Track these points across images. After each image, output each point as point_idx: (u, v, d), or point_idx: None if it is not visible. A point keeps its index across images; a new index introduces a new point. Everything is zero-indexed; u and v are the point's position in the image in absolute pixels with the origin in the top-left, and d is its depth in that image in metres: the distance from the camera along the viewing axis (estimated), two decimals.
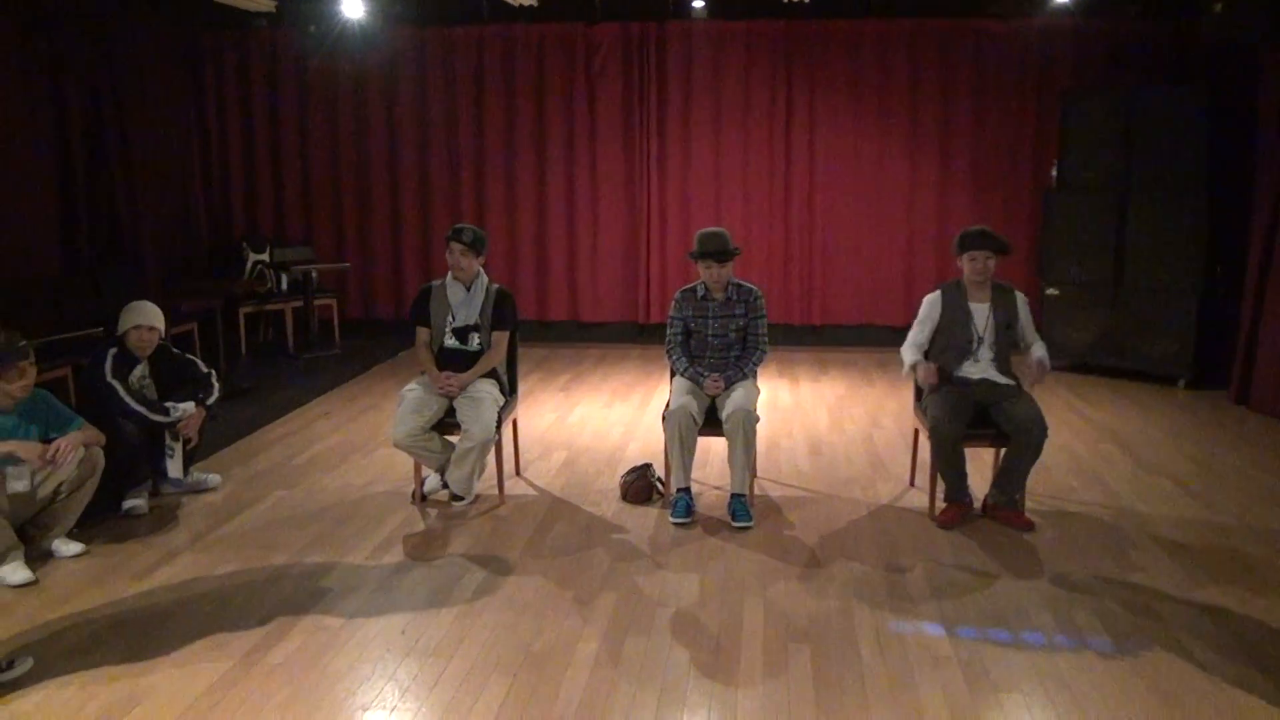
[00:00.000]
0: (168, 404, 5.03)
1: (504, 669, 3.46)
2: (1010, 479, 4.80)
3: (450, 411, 5.04)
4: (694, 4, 8.69)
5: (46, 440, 4.33)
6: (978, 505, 4.96)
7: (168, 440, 5.08)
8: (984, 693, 3.30)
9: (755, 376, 5.13)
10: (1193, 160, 7.49)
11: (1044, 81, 8.79)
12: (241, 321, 8.75)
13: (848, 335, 9.46)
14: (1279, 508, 5.09)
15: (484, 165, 9.55)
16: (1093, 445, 6.22)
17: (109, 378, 4.89)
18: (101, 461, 4.51)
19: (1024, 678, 3.39)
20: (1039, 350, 4.87)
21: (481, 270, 5.23)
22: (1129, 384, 7.85)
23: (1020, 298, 4.97)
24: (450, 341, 5.19)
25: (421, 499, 5.19)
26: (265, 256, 9.21)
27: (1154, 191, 7.64)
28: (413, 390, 5.05)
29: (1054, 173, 8.31)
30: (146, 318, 5.07)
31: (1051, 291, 8.21)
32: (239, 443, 6.25)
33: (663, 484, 5.23)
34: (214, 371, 5.35)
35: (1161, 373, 7.81)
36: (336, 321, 9.36)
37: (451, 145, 9.55)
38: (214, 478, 5.41)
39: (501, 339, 5.22)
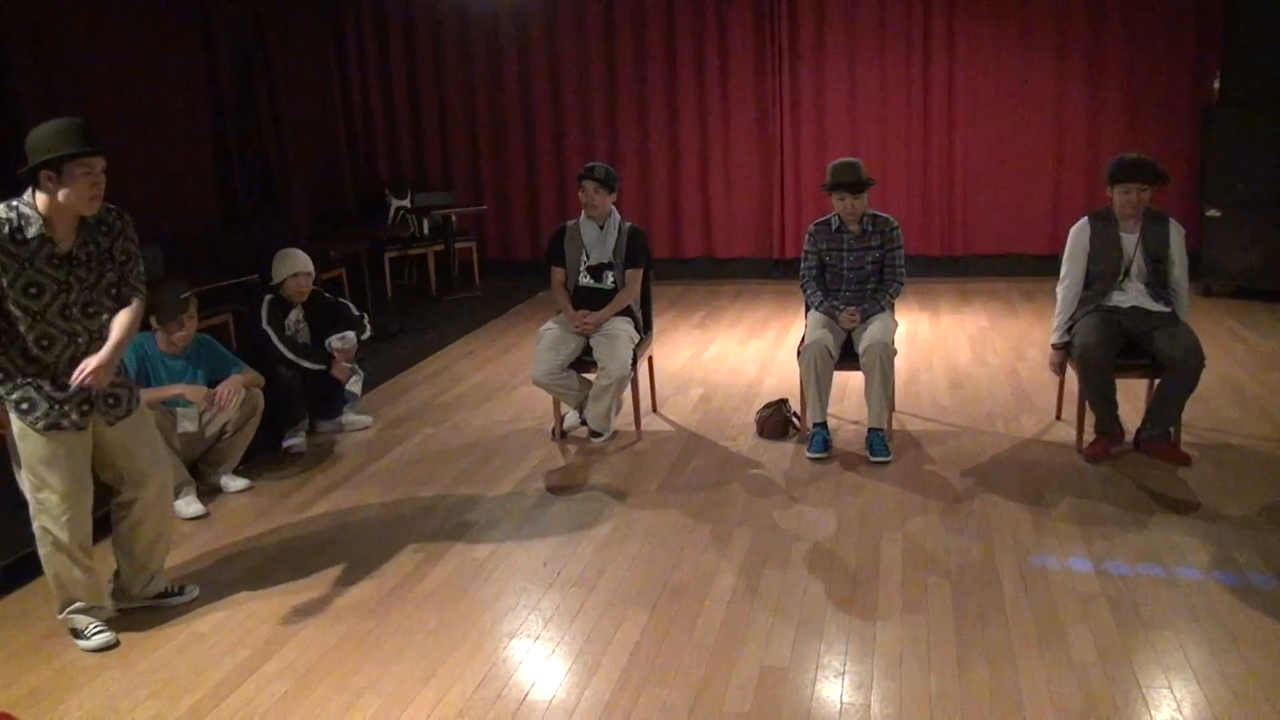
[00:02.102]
0: (328, 340, 5.28)
1: (643, 601, 3.55)
2: (1164, 410, 4.59)
3: (587, 349, 5.11)
4: None
5: (212, 383, 4.60)
6: (1129, 438, 4.77)
7: (350, 377, 5.44)
8: (1134, 630, 3.21)
9: (892, 309, 5.03)
10: None
11: None
12: (386, 266, 9.05)
13: (990, 265, 9.13)
14: None
15: (616, 103, 9.53)
16: (1257, 374, 5.88)
17: (264, 324, 5.15)
18: (262, 402, 4.77)
19: (1177, 615, 3.28)
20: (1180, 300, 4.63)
21: (614, 208, 5.26)
22: None
23: (1175, 229, 4.64)
24: (585, 280, 5.25)
25: (561, 435, 5.31)
26: (407, 202, 9.47)
27: None
28: (550, 329, 5.15)
29: (1215, 85, 7.78)
30: (303, 265, 5.30)
31: (1213, 213, 7.74)
32: (387, 383, 6.50)
33: (799, 419, 5.21)
34: (365, 315, 5.59)
35: None
36: (476, 263, 9.59)
37: (583, 84, 9.56)
38: (365, 419, 5.66)
39: (635, 276, 5.25)
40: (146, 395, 3.84)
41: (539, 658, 3.23)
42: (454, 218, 9.22)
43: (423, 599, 3.64)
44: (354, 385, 5.59)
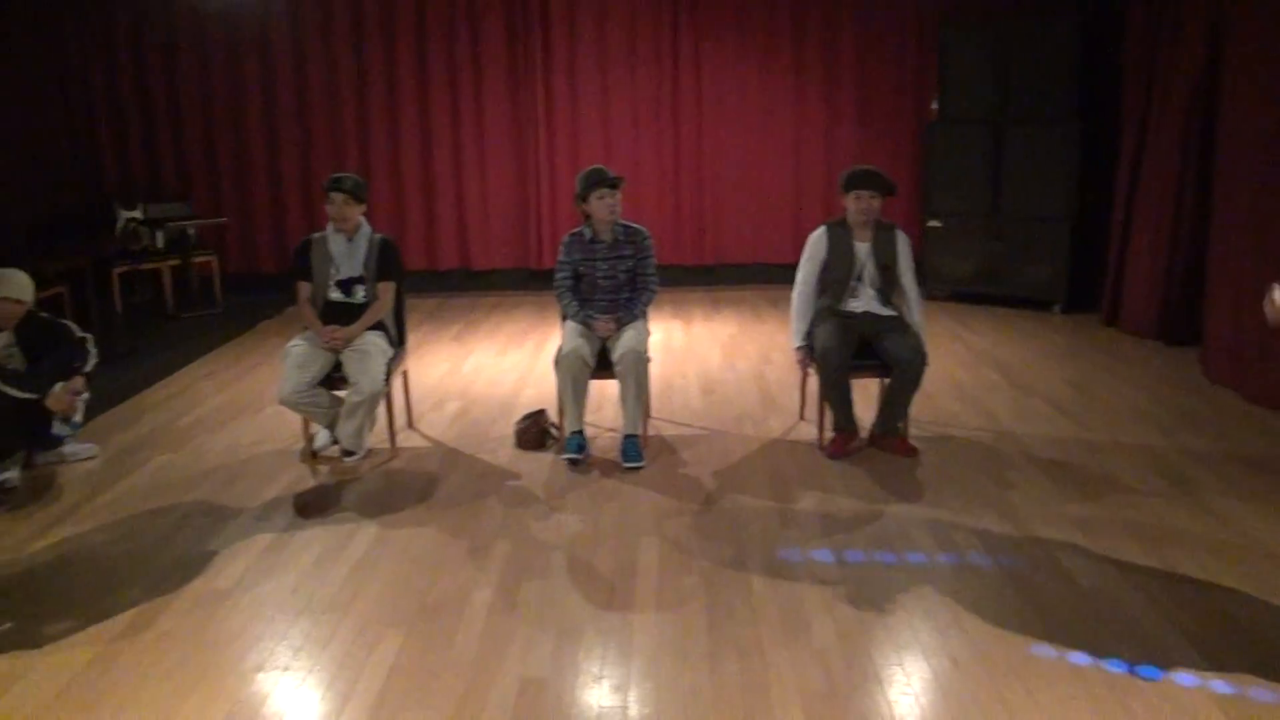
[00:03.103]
0: (55, 386, 4.82)
1: (398, 622, 3.45)
2: (893, 408, 4.93)
3: (337, 366, 4.94)
4: None
5: None
6: (864, 435, 5.09)
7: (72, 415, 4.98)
8: (870, 614, 3.42)
9: (646, 317, 5.15)
10: (1065, 88, 7.68)
11: (925, 14, 8.88)
12: (115, 282, 8.39)
13: (739, 274, 9.54)
14: (1146, 424, 5.35)
15: (366, 112, 9.28)
16: (974, 371, 6.42)
17: None
18: None
19: (908, 597, 3.52)
20: (913, 308, 5.00)
21: (364, 220, 5.11)
22: (1008, 311, 8.12)
23: (902, 237, 5.03)
24: (335, 295, 5.08)
25: (311, 456, 5.10)
26: (138, 213, 8.80)
27: (1028, 121, 7.84)
28: (297, 345, 4.93)
29: (934, 105, 8.45)
30: (9, 289, 4.79)
31: (934, 223, 8.40)
32: (118, 408, 6.03)
33: (557, 429, 5.24)
34: (89, 337, 5.14)
35: (1038, 298, 8.10)
36: (217, 278, 9.05)
37: (331, 92, 9.24)
38: (89, 447, 5.22)
39: (387, 289, 5.13)
40: None
41: (288, 690, 3.08)
42: (191, 230, 8.67)
43: (157, 638, 3.39)
44: (59, 427, 5.10)
